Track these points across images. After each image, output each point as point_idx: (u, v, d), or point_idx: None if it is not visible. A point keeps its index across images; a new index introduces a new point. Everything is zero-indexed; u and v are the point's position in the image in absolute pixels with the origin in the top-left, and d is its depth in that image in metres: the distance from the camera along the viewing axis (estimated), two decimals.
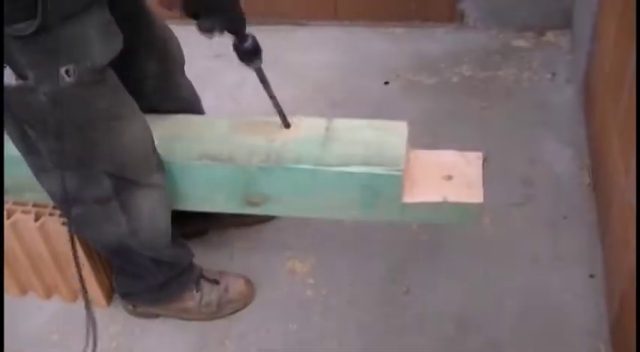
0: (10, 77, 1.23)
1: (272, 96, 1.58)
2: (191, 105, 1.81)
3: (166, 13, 1.62)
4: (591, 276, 1.84)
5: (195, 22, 1.37)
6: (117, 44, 1.34)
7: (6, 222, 1.73)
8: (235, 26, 1.43)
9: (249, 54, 1.47)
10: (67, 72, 1.24)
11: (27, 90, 1.25)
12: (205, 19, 1.37)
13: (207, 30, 1.37)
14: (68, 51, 1.24)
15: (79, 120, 1.34)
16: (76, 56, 1.26)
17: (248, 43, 1.45)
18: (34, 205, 1.76)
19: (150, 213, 1.57)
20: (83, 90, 1.29)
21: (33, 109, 1.29)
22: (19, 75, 1.23)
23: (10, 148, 1.60)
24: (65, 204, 1.55)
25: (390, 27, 2.96)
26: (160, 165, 1.56)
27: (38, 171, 1.51)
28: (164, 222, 1.63)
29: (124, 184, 1.49)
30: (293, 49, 2.86)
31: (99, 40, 1.28)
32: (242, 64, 1.49)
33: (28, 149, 1.45)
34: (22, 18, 1.16)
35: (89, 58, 1.27)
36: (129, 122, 1.44)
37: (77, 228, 1.64)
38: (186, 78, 1.79)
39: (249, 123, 1.64)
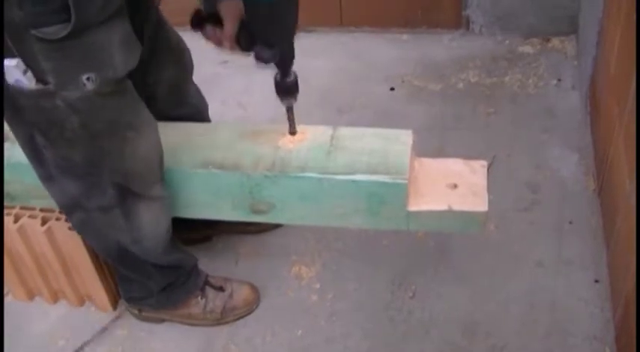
0: (30, 80, 1.23)
1: (292, 127, 1.58)
2: (199, 111, 1.82)
3: (173, 18, 1.64)
4: (596, 281, 1.84)
5: (249, 53, 1.38)
6: (136, 55, 1.34)
7: (13, 227, 1.74)
8: (286, 59, 1.43)
9: (289, 90, 1.48)
10: (88, 79, 1.25)
11: (45, 95, 1.25)
12: (264, 49, 1.36)
13: (264, 60, 1.37)
14: (92, 59, 1.24)
15: (94, 129, 1.34)
16: (99, 65, 1.26)
17: (290, 79, 1.46)
18: (41, 210, 1.77)
19: (151, 221, 1.58)
20: (102, 99, 1.30)
21: (48, 115, 1.30)
22: (40, 79, 1.23)
23: (18, 155, 1.61)
24: (68, 211, 1.56)
25: (396, 33, 2.97)
26: (162, 178, 1.55)
27: (42, 179, 1.51)
28: (165, 230, 1.64)
29: (129, 194, 1.49)
30: (299, 56, 2.81)
31: (120, 50, 1.28)
32: (277, 97, 1.49)
33: (33, 155, 1.44)
34: (53, 21, 1.16)
35: (111, 68, 1.28)
36: (142, 135, 1.44)
37: (79, 234, 1.65)
38: (194, 84, 1.80)
39: (255, 131, 1.65)
